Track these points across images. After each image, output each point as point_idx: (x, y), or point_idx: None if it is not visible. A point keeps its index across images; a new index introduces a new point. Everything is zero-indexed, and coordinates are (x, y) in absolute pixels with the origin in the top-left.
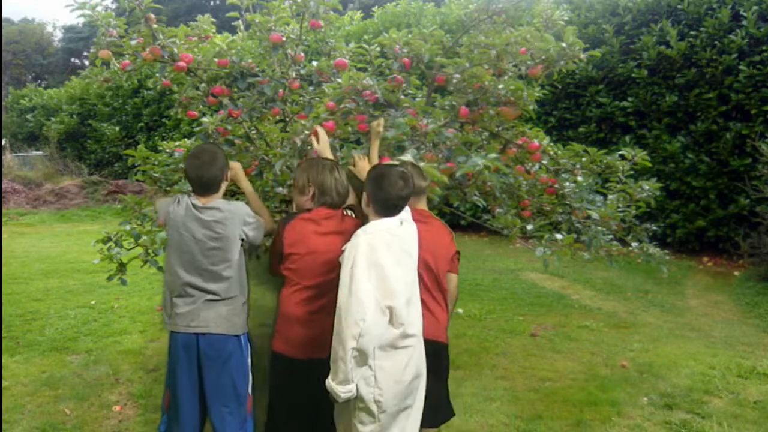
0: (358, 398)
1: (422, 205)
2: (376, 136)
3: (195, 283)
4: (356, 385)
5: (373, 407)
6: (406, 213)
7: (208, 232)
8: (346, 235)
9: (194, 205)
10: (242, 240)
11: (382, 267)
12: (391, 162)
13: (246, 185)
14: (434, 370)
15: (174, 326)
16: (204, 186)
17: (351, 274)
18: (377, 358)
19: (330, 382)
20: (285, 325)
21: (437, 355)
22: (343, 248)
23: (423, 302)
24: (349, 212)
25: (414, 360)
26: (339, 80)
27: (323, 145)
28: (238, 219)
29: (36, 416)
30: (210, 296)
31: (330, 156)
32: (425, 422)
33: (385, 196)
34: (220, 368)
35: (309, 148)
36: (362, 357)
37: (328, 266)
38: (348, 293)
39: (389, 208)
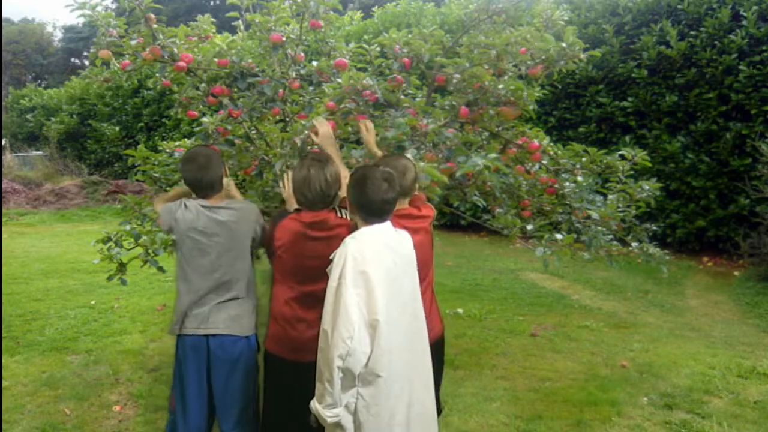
0: (338, 424)
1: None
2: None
3: (210, 287)
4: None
5: None
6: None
7: (226, 233)
8: (336, 242)
9: (205, 207)
10: (253, 239)
11: (370, 278)
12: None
13: (238, 196)
14: (436, 364)
15: (183, 329)
16: (204, 188)
17: (338, 286)
18: (358, 383)
19: (316, 405)
20: (275, 326)
21: (437, 353)
22: (331, 257)
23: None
24: (344, 213)
25: (404, 391)
26: (339, 80)
27: (322, 139)
28: (252, 217)
29: (36, 416)
30: (222, 298)
31: (333, 151)
32: None
33: (368, 201)
34: (230, 369)
35: (309, 148)
36: (349, 379)
37: (315, 272)
38: (334, 308)
39: (375, 213)
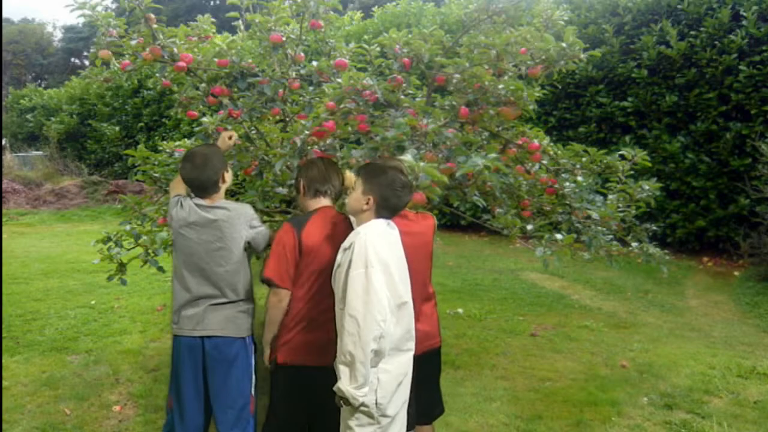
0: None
1: None
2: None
3: (201, 286)
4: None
5: (374, 410)
6: None
7: (215, 231)
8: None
9: (200, 205)
10: (248, 242)
11: (389, 266)
12: (392, 163)
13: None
14: (436, 369)
15: (179, 330)
16: (200, 188)
17: (366, 274)
18: (383, 361)
19: (346, 387)
20: (294, 334)
21: (438, 354)
22: (346, 245)
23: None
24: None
25: (411, 363)
26: (339, 80)
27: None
28: (244, 220)
29: (36, 416)
30: (216, 300)
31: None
32: (423, 419)
33: (390, 205)
34: (226, 371)
35: (309, 148)
36: (378, 358)
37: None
38: (364, 294)
39: (391, 213)
